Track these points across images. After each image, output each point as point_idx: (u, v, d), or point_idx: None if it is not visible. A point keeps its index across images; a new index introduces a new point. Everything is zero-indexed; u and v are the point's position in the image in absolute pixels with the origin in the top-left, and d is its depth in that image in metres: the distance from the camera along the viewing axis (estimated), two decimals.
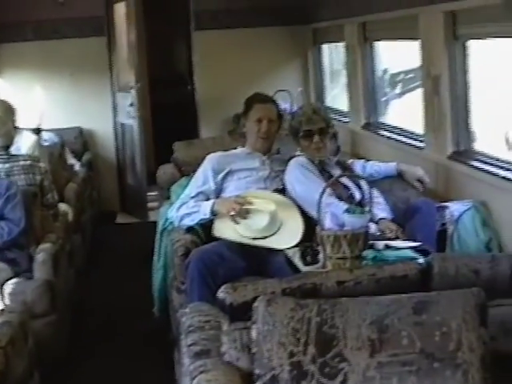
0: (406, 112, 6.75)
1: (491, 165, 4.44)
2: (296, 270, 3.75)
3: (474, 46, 4.74)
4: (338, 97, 8.44)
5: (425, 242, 3.83)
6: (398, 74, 7.78)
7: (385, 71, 7.72)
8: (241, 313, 2.77)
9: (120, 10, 8.36)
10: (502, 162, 4.41)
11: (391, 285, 2.85)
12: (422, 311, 2.51)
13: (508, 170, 4.24)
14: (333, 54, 8.49)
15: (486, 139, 4.88)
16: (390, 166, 4.75)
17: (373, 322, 2.53)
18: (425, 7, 4.91)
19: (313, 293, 2.84)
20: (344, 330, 2.53)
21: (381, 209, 4.30)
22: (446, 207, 4.35)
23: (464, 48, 4.78)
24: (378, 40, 6.65)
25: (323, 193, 3.70)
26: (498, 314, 2.68)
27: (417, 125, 5.51)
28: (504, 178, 4.19)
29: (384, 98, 7.26)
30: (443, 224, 4.29)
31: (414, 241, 3.81)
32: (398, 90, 7.79)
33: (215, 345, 2.73)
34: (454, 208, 4.33)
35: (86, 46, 8.35)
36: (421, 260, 3.27)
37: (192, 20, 8.78)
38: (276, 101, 4.81)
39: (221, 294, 2.87)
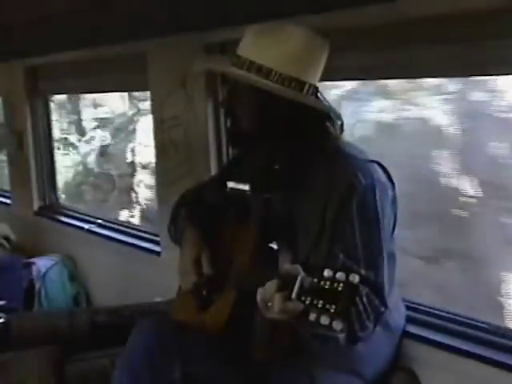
0: None
1: (76, 218, 4.50)
2: None
3: None
4: None
5: (12, 301, 3.77)
6: None
7: None
8: None
9: None
10: (87, 215, 4.50)
11: None
12: None
13: (91, 222, 4.32)
14: None
15: None
16: None
17: None
18: (4, 63, 4.86)
19: None
20: None
21: None
22: (33, 263, 4.31)
23: (47, 103, 4.82)
24: None
25: None
26: (79, 368, 2.70)
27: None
28: (88, 230, 4.26)
29: None
30: (31, 280, 4.24)
31: (0, 299, 3.72)
32: None
33: None
34: (41, 263, 4.31)
35: None
36: (1, 320, 3.19)
37: None
38: None
39: None
